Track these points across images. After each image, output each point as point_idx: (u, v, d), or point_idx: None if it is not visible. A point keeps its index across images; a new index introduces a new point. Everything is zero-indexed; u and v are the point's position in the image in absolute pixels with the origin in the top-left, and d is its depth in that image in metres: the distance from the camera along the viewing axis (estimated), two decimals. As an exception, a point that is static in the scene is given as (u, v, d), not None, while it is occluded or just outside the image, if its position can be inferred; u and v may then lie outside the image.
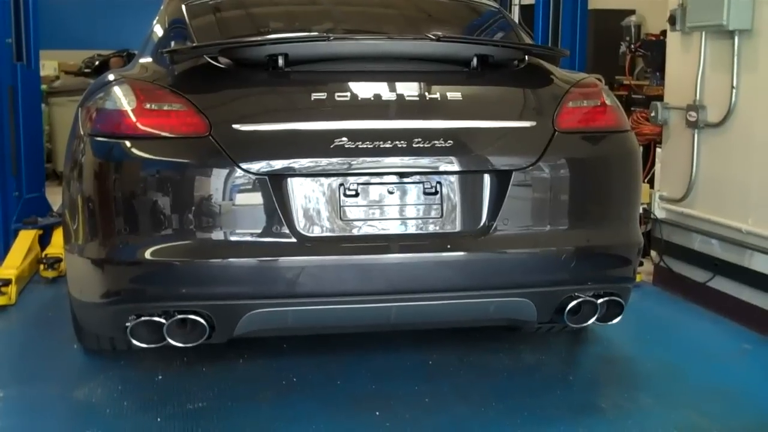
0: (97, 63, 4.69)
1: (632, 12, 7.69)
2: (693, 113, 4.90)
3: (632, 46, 6.65)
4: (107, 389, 3.57)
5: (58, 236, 5.57)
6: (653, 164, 5.62)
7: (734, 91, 4.61)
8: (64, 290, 3.73)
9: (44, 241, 5.67)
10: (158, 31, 3.79)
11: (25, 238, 5.49)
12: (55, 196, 5.75)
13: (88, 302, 3.31)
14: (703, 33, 4.80)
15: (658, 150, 5.54)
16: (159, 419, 3.29)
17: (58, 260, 5.21)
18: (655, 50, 6.11)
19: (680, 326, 4.64)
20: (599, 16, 7.94)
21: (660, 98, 5.44)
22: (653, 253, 5.44)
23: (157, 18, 3.96)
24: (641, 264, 5.40)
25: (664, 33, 5.71)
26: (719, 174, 4.81)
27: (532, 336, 4.19)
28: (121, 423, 3.28)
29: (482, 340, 4.13)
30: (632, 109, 6.61)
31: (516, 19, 6.27)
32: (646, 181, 5.62)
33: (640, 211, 3.81)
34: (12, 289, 4.75)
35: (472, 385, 3.65)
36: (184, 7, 3.75)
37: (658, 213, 5.33)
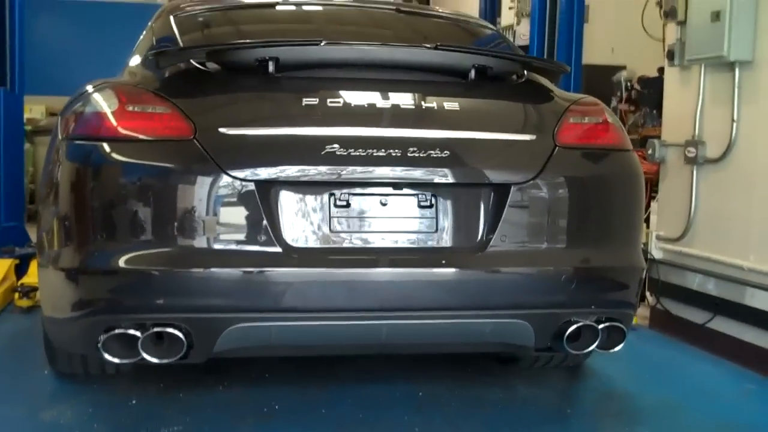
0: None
1: (623, 68, 7.68)
2: (692, 149, 4.79)
3: (623, 95, 6.60)
4: (77, 412, 3.36)
5: (35, 266, 5.40)
6: (649, 204, 5.50)
7: (735, 124, 4.51)
8: (38, 320, 3.56)
9: (21, 271, 5.48)
10: (145, 40, 3.66)
11: (1, 266, 5.30)
12: (34, 233, 5.60)
13: (60, 317, 3.11)
14: (703, 66, 4.73)
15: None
16: (131, 442, 3.09)
17: (34, 289, 5.02)
18: (652, 88, 6.04)
19: (680, 366, 4.46)
20: (591, 71, 7.91)
21: (657, 138, 5.34)
22: (649, 296, 5.29)
23: (144, 32, 3.85)
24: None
25: (661, 70, 5.65)
26: (719, 211, 4.69)
27: (527, 371, 4.01)
28: (89, 445, 3.07)
29: (475, 372, 3.96)
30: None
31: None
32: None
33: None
34: (-17, 315, 4.56)
35: (464, 417, 3.46)
36: (172, 18, 3.64)
37: (655, 253, 5.20)
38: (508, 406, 3.61)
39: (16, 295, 5.08)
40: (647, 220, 5.44)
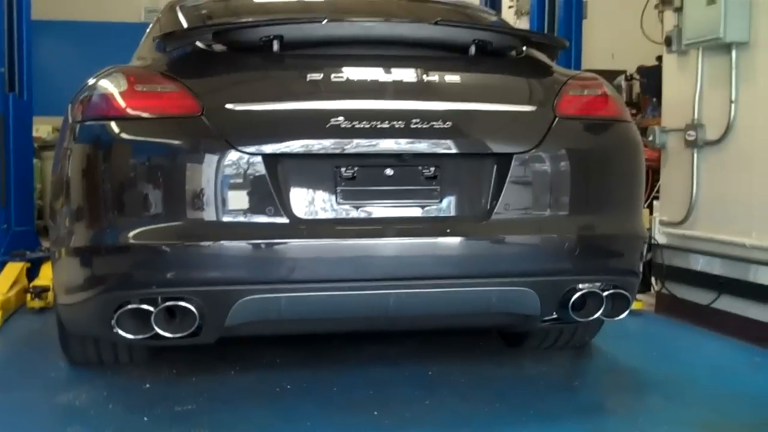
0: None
1: (623, 72, 7.76)
2: (692, 132, 4.85)
3: (624, 97, 6.67)
4: (92, 395, 3.40)
5: (46, 269, 5.47)
6: (652, 190, 5.55)
7: (733, 105, 4.57)
8: (50, 321, 3.63)
9: (32, 275, 5.54)
10: (152, 31, 3.75)
11: (12, 269, 5.38)
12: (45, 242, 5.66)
13: (75, 301, 3.17)
14: (700, 50, 4.79)
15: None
16: (146, 419, 3.12)
17: (45, 290, 5.08)
18: (651, 76, 6.10)
19: (687, 345, 4.51)
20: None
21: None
22: (654, 282, 5.33)
23: (151, 25, 3.94)
24: (644, 290, 5.31)
25: (659, 58, 5.71)
26: (720, 191, 4.74)
27: (535, 351, 4.05)
28: (105, 422, 3.10)
29: (483, 353, 4.03)
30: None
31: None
32: (645, 206, 5.54)
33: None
34: (-4, 314, 4.61)
35: (474, 390, 3.50)
36: (178, 8, 3.73)
37: (659, 238, 5.24)
38: (517, 381, 3.66)
39: (28, 296, 5.13)
40: (650, 206, 5.50)
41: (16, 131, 5.64)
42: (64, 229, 3.16)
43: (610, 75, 7.77)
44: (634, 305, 4.85)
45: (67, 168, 3.12)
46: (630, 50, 7.52)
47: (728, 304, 4.64)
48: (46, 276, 5.34)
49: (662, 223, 5.22)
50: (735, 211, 4.60)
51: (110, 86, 3.08)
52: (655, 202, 5.49)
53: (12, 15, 5.61)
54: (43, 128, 11.52)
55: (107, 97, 3.05)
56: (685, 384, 3.63)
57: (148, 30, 3.91)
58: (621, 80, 7.89)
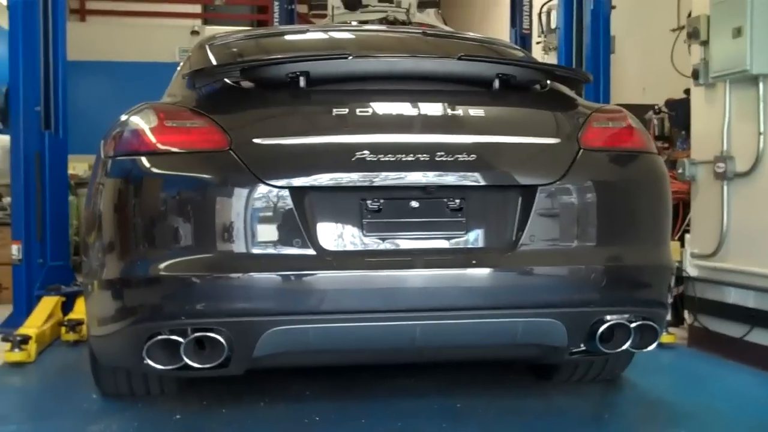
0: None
1: (653, 107, 7.77)
2: (721, 164, 4.84)
3: (655, 132, 6.69)
4: (123, 425, 3.45)
5: (80, 303, 5.54)
6: (682, 223, 5.53)
7: (762, 137, 4.56)
8: (84, 353, 3.70)
9: (67, 309, 5.62)
10: (183, 69, 3.84)
11: (47, 303, 5.45)
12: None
13: (107, 332, 3.23)
14: (727, 82, 4.80)
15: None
16: (175, 449, 3.17)
17: (80, 323, 5.15)
18: (679, 109, 6.10)
19: (718, 378, 4.47)
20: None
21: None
22: (687, 316, 5.30)
23: (181, 63, 4.03)
24: (677, 324, 5.29)
25: (687, 91, 5.72)
26: (751, 223, 4.71)
27: (564, 384, 4.03)
28: (135, 452, 3.15)
29: (512, 386, 4.01)
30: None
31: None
32: (676, 239, 5.52)
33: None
34: (31, 347, 4.67)
35: (502, 424, 3.49)
36: (207, 47, 3.82)
37: (691, 271, 5.21)
38: (546, 414, 3.64)
39: (63, 329, 5.21)
40: (681, 239, 5.48)
41: (51, 168, 5.75)
42: (96, 261, 3.22)
43: (640, 109, 7.78)
44: (667, 339, 4.86)
45: (99, 202, 3.19)
46: (661, 84, 7.54)
47: (761, 336, 4.60)
48: (80, 310, 5.39)
49: (693, 255, 5.20)
50: (766, 242, 4.57)
51: (141, 122, 3.16)
52: (686, 235, 5.47)
53: (48, 56, 5.75)
54: (79, 166, 11.71)
55: (138, 133, 3.13)
56: (716, 417, 3.61)
57: (179, 68, 4.01)
58: (651, 114, 7.90)
